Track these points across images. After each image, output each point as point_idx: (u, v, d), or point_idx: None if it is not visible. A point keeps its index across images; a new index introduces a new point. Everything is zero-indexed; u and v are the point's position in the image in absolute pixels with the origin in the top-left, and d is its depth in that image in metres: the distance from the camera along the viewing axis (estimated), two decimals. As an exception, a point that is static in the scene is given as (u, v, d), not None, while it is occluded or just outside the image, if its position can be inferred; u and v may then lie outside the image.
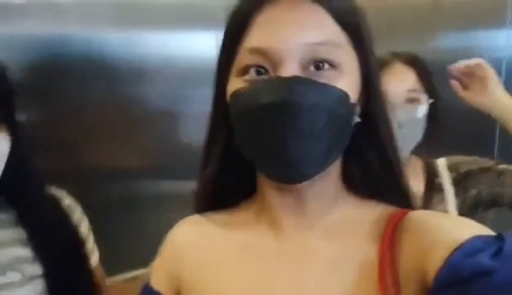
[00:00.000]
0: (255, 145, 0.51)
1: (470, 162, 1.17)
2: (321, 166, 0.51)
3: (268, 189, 0.57)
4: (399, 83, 1.08)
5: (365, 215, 0.56)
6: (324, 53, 0.50)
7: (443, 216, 0.55)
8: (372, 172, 0.57)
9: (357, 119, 0.54)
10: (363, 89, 0.54)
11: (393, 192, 0.57)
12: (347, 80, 0.51)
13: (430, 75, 1.12)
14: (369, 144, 0.56)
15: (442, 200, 1.13)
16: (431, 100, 1.10)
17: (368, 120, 0.55)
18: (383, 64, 1.07)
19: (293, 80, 0.48)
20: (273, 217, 0.57)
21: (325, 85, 0.49)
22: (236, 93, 0.52)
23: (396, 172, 0.57)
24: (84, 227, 1.05)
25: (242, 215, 0.61)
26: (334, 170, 0.56)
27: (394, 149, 0.57)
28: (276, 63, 0.49)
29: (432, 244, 0.46)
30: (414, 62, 1.11)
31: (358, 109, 0.54)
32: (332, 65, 0.50)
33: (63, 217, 1.00)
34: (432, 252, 0.45)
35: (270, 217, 0.58)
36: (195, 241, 0.61)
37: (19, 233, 0.93)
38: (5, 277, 0.89)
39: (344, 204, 0.57)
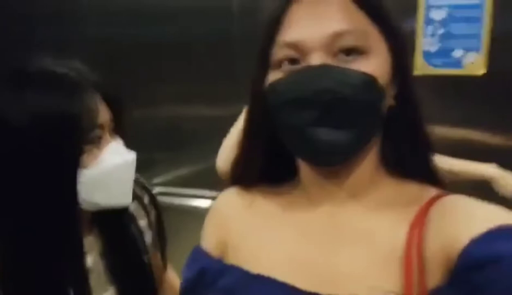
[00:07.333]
0: (289, 130, 0.56)
1: None
2: (351, 149, 0.54)
3: (305, 169, 0.62)
4: None
5: (400, 197, 0.58)
6: (350, 41, 0.53)
7: (476, 204, 0.54)
8: (406, 152, 0.59)
9: (391, 102, 0.57)
10: (394, 72, 0.56)
11: (424, 171, 0.60)
12: (376, 65, 0.53)
13: None
14: (404, 126, 0.58)
15: None
16: None
17: (402, 103, 0.58)
18: None
19: (319, 68, 0.52)
20: (310, 193, 0.61)
21: (350, 70, 0.52)
22: (271, 85, 0.57)
23: (427, 153, 0.60)
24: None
25: (283, 191, 0.66)
26: (371, 152, 0.59)
27: (425, 130, 0.59)
28: (305, 54, 0.54)
29: (458, 232, 0.48)
30: None
31: (391, 92, 0.57)
32: (360, 52, 0.53)
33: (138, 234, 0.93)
34: (457, 240, 0.48)
35: (307, 193, 0.62)
36: (238, 210, 0.67)
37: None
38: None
39: (381, 185, 0.60)
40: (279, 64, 0.57)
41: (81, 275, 0.79)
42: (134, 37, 1.87)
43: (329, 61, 0.53)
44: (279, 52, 0.56)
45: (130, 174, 0.82)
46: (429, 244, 0.51)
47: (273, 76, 0.57)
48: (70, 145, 0.73)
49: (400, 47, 0.57)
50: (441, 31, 1.50)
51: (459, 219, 0.50)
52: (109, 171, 0.78)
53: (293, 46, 0.55)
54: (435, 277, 0.49)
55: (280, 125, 0.57)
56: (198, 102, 1.83)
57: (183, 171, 1.87)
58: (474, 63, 1.46)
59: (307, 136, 0.53)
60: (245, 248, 0.63)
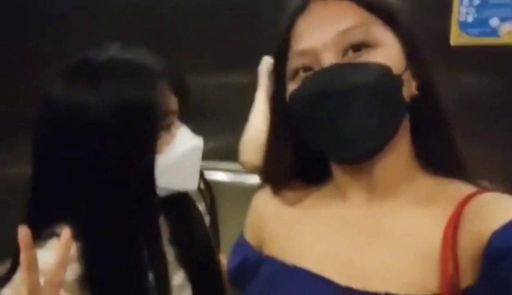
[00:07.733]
0: (315, 134, 0.58)
1: None
2: (376, 141, 0.54)
3: (338, 170, 0.62)
4: None
5: (436, 194, 0.57)
6: (357, 36, 0.55)
7: (506, 199, 0.53)
8: (434, 144, 0.59)
9: (413, 92, 0.58)
10: (410, 64, 0.57)
11: (453, 165, 0.59)
12: (386, 55, 0.55)
13: None
14: (428, 118, 0.59)
15: None
16: None
17: (424, 94, 0.58)
18: None
19: (332, 68, 0.54)
20: (344, 190, 0.62)
21: (363, 64, 0.54)
22: (291, 95, 0.59)
23: (454, 143, 0.60)
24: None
25: (317, 188, 0.67)
26: (402, 148, 0.58)
27: (448, 121, 0.59)
28: (317, 59, 0.56)
29: (484, 229, 0.49)
30: None
31: (412, 83, 0.58)
32: (368, 45, 0.55)
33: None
34: (483, 235, 0.48)
35: (341, 190, 0.62)
36: (273, 207, 0.70)
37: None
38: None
39: (416, 181, 0.59)
40: (295, 74, 0.59)
41: (160, 258, 0.80)
42: (154, 5, 1.83)
43: (339, 60, 0.55)
44: (293, 62, 0.59)
45: (198, 158, 0.84)
46: (463, 243, 0.51)
47: (291, 87, 0.60)
48: (148, 132, 0.74)
49: (410, 38, 0.58)
50: (477, 1, 1.50)
51: (486, 216, 0.50)
52: (181, 156, 0.79)
53: (305, 53, 0.57)
54: (468, 277, 0.50)
55: (305, 130, 0.59)
56: (220, 71, 1.79)
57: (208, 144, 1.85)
58: (511, 33, 1.47)
59: (332, 133, 0.55)
60: (281, 242, 0.65)
